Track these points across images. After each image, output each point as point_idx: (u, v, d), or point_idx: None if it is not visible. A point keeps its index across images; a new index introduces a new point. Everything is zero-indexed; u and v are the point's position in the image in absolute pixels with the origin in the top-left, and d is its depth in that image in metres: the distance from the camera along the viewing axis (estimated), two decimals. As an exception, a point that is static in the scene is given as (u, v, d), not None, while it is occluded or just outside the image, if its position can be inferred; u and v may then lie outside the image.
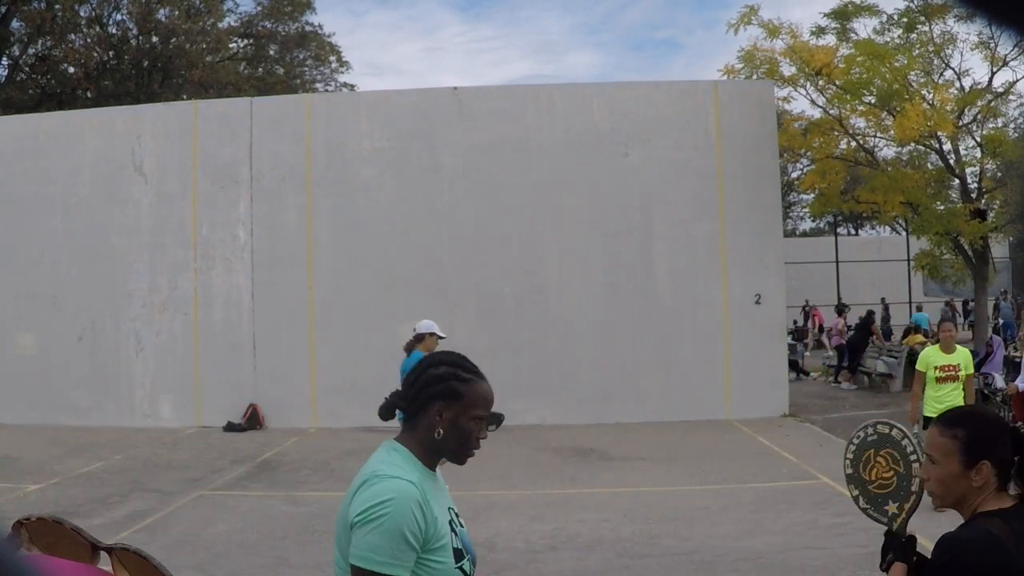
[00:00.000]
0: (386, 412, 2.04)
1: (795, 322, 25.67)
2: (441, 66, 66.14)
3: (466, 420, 1.95)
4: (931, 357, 7.50)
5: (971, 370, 7.49)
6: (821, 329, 25.70)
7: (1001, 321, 23.88)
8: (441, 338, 7.31)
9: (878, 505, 2.34)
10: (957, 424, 1.95)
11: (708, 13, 63.53)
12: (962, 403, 7.12)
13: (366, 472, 1.88)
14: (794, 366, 17.72)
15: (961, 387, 7.33)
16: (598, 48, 72.62)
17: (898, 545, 2.19)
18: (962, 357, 7.43)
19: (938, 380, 7.34)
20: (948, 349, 7.47)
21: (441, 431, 1.94)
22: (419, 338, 7.18)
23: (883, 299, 27.66)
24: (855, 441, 2.40)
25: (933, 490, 1.99)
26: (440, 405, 1.93)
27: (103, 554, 1.04)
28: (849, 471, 2.40)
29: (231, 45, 30.07)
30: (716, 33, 69.03)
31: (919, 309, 23.08)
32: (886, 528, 2.29)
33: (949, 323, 7.98)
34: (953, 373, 7.31)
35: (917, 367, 7.65)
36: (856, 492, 2.38)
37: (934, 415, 7.12)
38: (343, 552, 1.87)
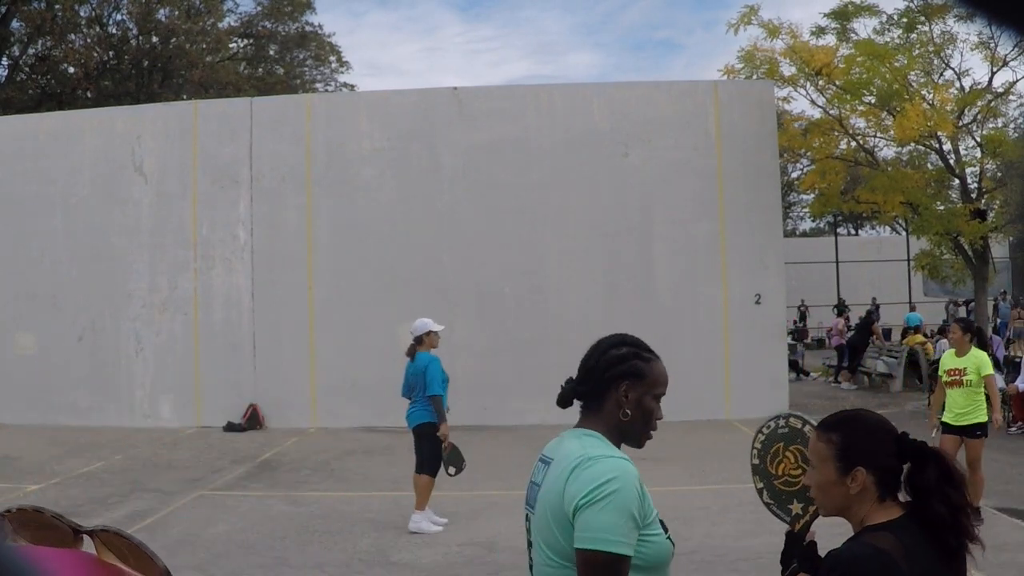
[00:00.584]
0: (565, 400, 2.03)
1: (795, 322, 25.67)
2: (441, 66, 66.19)
3: (648, 400, 1.96)
4: (943, 361, 7.24)
5: (986, 372, 6.94)
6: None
7: (1000, 321, 23.90)
8: (437, 331, 7.28)
9: (782, 502, 2.24)
10: (833, 429, 1.85)
11: (707, 13, 63.61)
12: (969, 409, 6.86)
13: (572, 457, 1.86)
14: (794, 366, 17.73)
15: (970, 392, 6.90)
16: (598, 48, 72.71)
17: (801, 552, 2.11)
18: (971, 361, 6.96)
19: (946, 384, 7.07)
20: (959, 352, 7.08)
21: (628, 411, 1.94)
22: (419, 340, 7.18)
23: (873, 299, 27.69)
24: (764, 431, 2.28)
25: (814, 496, 1.92)
26: (626, 385, 1.93)
27: (86, 539, 1.04)
28: (755, 462, 2.29)
29: (231, 45, 30.07)
30: (715, 33, 69.15)
31: (912, 309, 23.10)
32: (787, 528, 2.21)
33: (955, 323, 7.55)
34: (958, 378, 6.93)
35: (939, 371, 7.42)
36: (761, 485, 2.27)
37: (947, 421, 6.98)
38: (550, 543, 1.83)
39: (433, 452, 7.05)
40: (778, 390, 13.11)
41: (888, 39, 14.74)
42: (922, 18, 14.60)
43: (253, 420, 12.91)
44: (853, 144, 15.85)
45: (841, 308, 25.61)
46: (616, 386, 1.94)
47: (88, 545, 1.03)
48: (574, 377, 2.02)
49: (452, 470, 7.00)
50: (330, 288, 13.30)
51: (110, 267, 13.54)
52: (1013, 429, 11.40)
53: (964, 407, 6.89)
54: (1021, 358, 12.55)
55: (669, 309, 13.12)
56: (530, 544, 1.92)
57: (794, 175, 32.07)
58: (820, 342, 26.11)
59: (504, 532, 6.95)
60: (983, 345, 7.46)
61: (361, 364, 12.82)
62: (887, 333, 21.73)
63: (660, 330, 13.14)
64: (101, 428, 12.82)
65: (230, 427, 12.72)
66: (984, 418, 6.86)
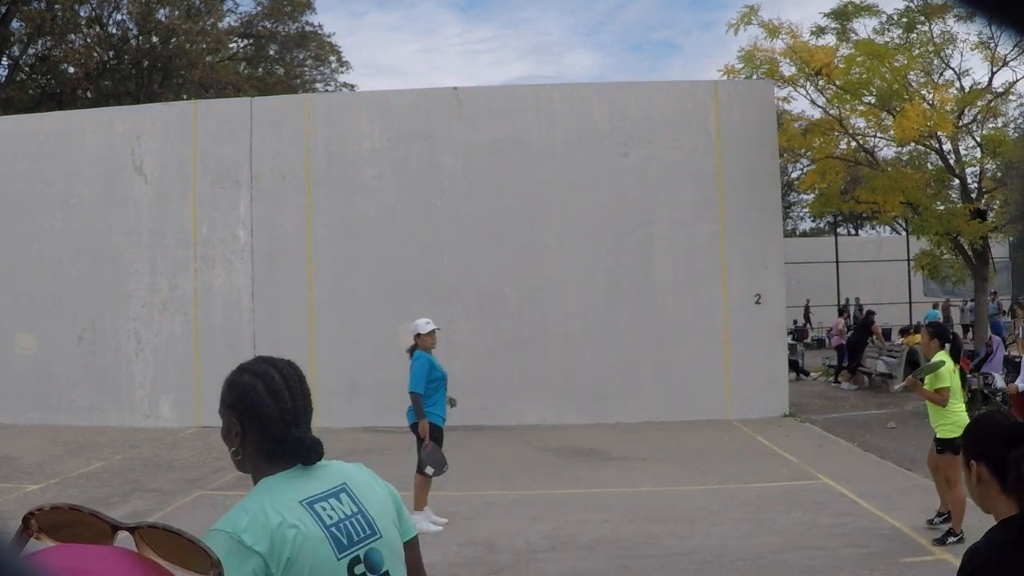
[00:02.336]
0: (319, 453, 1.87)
1: (795, 322, 25.65)
2: (440, 66, 66.14)
3: None
4: None
5: (937, 384, 6.44)
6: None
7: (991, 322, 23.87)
8: (436, 330, 7.25)
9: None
10: (964, 435, 2.07)
11: (705, 14, 63.52)
12: (935, 419, 6.53)
13: (358, 469, 1.96)
14: (794, 366, 17.72)
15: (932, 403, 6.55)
16: (597, 49, 72.65)
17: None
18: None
19: None
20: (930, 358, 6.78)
21: None
22: (416, 339, 7.18)
23: (857, 299, 27.70)
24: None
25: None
26: None
27: (125, 535, 1.02)
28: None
29: (231, 45, 30.06)
30: (713, 34, 68.94)
31: (935, 307, 23.15)
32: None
33: (924, 328, 7.21)
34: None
35: None
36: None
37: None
38: (401, 556, 1.83)
39: (440, 450, 7.06)
40: (778, 390, 13.12)
41: (888, 39, 14.72)
42: (922, 18, 14.58)
43: (253, 420, 12.89)
44: (853, 144, 15.85)
45: (842, 308, 25.61)
46: None
47: (126, 542, 1.01)
48: (300, 427, 1.83)
49: (430, 470, 6.94)
50: (330, 288, 13.30)
51: (110, 267, 13.54)
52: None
53: (932, 419, 6.59)
54: (1021, 358, 12.54)
55: (669, 309, 13.13)
56: (383, 575, 1.75)
57: (794, 175, 32.04)
58: (820, 342, 26.10)
59: (503, 532, 6.95)
60: (956, 351, 6.97)
61: (361, 364, 12.82)
62: (887, 333, 21.71)
63: (660, 330, 13.21)
64: (101, 428, 12.81)
65: (230, 427, 12.70)
66: (946, 433, 6.37)
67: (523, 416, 12.61)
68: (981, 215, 14.67)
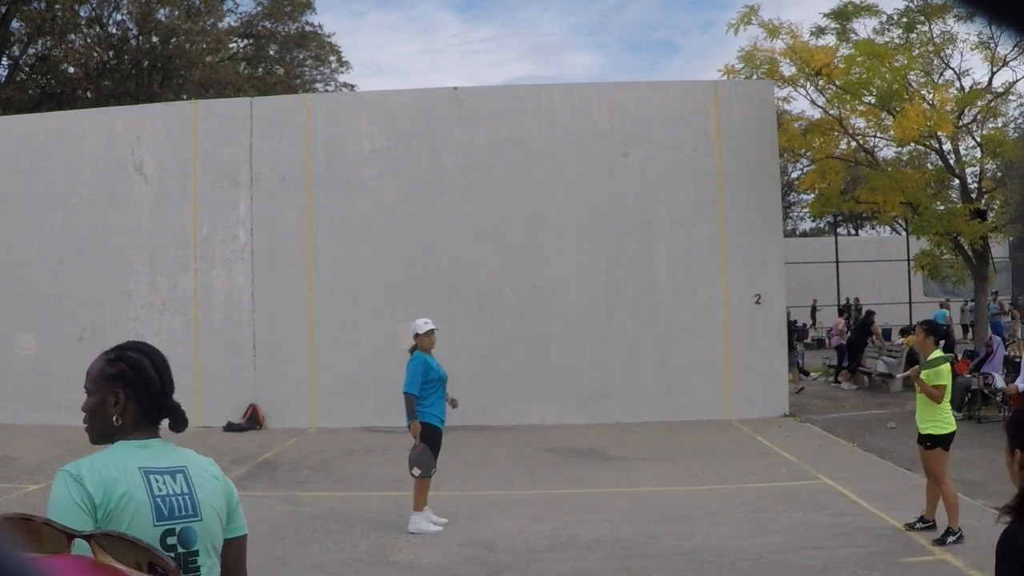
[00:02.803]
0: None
1: (795, 321, 25.67)
2: (440, 66, 66.14)
3: None
4: None
5: (936, 381, 6.50)
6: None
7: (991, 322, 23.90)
8: (433, 330, 7.23)
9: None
10: (1008, 421, 2.26)
11: (704, 14, 63.56)
12: (924, 417, 6.52)
13: (206, 462, 2.11)
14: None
15: (925, 399, 6.55)
16: (596, 49, 72.66)
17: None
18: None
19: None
20: (923, 355, 6.86)
21: None
22: (416, 339, 7.17)
23: (856, 299, 27.72)
24: None
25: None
26: None
27: (80, 542, 1.02)
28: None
29: (231, 45, 30.05)
30: (712, 35, 68.92)
31: (943, 306, 23.14)
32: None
33: (918, 326, 7.25)
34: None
35: None
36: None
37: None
38: (216, 545, 1.98)
39: (429, 452, 7.04)
40: (778, 390, 13.12)
41: (888, 39, 14.72)
42: (922, 18, 14.58)
43: (253, 420, 12.90)
44: (853, 144, 15.85)
45: (845, 308, 25.62)
46: None
47: (83, 548, 1.01)
48: (171, 399, 2.16)
49: (416, 471, 6.92)
50: (330, 288, 13.30)
51: (110, 267, 13.54)
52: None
53: (921, 415, 6.60)
54: (1021, 358, 12.53)
55: (669, 309, 13.13)
56: (193, 553, 1.93)
57: (794, 175, 32.04)
58: (820, 342, 26.10)
59: (504, 532, 6.95)
60: (949, 348, 7.05)
61: (361, 364, 12.82)
62: (887, 333, 21.72)
63: (660, 330, 13.21)
64: (101, 428, 12.80)
65: (230, 427, 12.72)
66: (936, 430, 6.42)
67: (523, 416, 12.61)
68: (981, 215, 14.67)
